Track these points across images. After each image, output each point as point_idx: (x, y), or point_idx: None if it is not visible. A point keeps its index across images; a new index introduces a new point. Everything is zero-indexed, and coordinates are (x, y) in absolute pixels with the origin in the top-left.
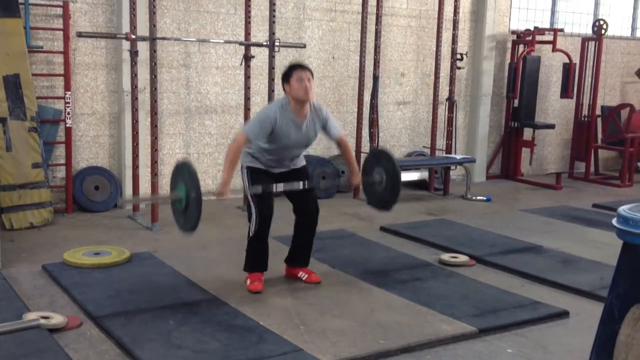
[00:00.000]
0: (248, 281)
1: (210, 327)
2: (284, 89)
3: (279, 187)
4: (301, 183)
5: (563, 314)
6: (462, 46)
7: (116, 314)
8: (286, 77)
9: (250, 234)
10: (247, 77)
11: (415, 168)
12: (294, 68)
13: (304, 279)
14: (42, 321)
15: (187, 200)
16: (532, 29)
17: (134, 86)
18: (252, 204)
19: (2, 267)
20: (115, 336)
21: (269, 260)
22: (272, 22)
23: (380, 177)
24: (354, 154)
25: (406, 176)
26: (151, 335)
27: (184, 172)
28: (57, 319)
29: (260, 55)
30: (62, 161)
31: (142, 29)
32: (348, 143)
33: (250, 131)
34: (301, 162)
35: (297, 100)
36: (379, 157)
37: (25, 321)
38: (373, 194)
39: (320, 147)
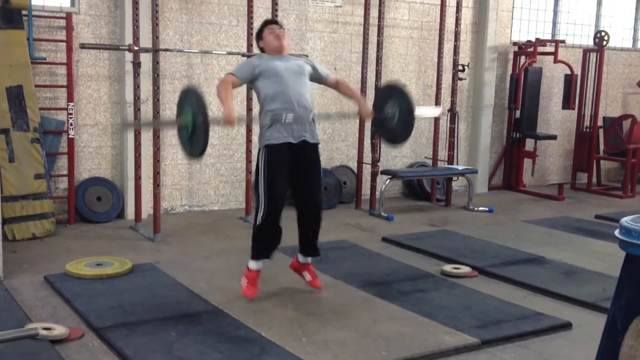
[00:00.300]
0: (244, 281)
1: (212, 338)
2: (259, 48)
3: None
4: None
5: (566, 326)
6: (464, 57)
7: (118, 325)
8: (259, 34)
9: (257, 223)
10: (249, 88)
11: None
12: (266, 24)
13: (306, 279)
14: (44, 332)
15: (193, 126)
16: (533, 40)
17: (137, 97)
18: (262, 190)
19: (4, 278)
20: (117, 347)
21: (270, 271)
22: None
23: (392, 113)
24: (354, 88)
25: (421, 112)
26: (153, 347)
27: (191, 98)
28: (59, 330)
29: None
30: (65, 172)
31: (145, 41)
32: (344, 80)
33: (235, 70)
34: (316, 132)
35: (274, 52)
36: (392, 91)
37: (24, 329)
38: (384, 129)
39: (322, 158)
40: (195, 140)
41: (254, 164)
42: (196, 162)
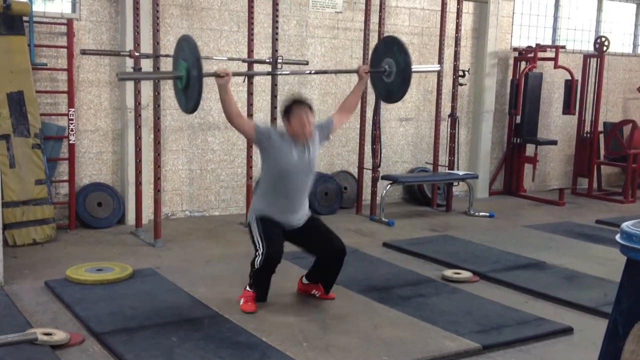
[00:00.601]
0: (242, 300)
1: (212, 343)
2: (283, 123)
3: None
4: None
5: (567, 331)
6: (464, 63)
7: (119, 331)
8: (286, 112)
9: (256, 266)
10: (250, 93)
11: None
12: (294, 103)
13: (317, 295)
14: (45, 337)
15: (187, 78)
16: (534, 45)
17: (137, 103)
18: (259, 240)
19: (5, 283)
20: (117, 353)
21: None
22: (274, 40)
23: (389, 69)
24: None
25: (419, 67)
26: (154, 352)
27: (185, 49)
28: (59, 336)
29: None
30: (65, 178)
31: (146, 47)
32: (339, 107)
33: (256, 121)
34: (306, 212)
35: (295, 137)
36: (391, 46)
37: (24, 334)
38: (381, 83)
39: (323, 164)
40: (189, 92)
41: (254, 169)
42: (190, 114)
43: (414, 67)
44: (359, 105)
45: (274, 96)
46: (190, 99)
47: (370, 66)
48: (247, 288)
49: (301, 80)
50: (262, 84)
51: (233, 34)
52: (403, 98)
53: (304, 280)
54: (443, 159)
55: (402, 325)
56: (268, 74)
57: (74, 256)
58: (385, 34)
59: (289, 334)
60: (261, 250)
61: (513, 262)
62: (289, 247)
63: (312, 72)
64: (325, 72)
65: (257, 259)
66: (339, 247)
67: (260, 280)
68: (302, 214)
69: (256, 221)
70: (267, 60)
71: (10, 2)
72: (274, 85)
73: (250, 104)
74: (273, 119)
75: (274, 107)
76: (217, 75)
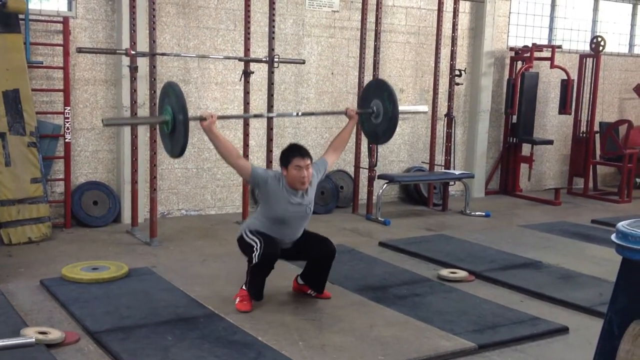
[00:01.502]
0: (237, 299)
1: (208, 342)
2: (281, 169)
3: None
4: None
5: (562, 330)
6: (461, 62)
7: (114, 330)
8: (285, 161)
9: (254, 261)
10: (247, 92)
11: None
12: (294, 154)
13: (313, 295)
14: (40, 336)
15: (174, 123)
16: (530, 45)
17: (134, 101)
18: (255, 240)
19: (0, 282)
20: (113, 352)
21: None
22: (271, 38)
23: (377, 110)
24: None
25: (406, 108)
26: (149, 351)
27: (171, 94)
28: (54, 335)
29: (260, 71)
30: (61, 176)
31: (142, 45)
32: (331, 145)
33: (254, 166)
34: (301, 232)
35: (292, 187)
36: (381, 91)
37: (20, 338)
38: (370, 125)
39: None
40: (175, 137)
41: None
42: (177, 158)
43: (401, 109)
44: (355, 105)
45: (270, 95)
46: (176, 144)
47: (360, 100)
48: (244, 287)
49: (297, 79)
50: (258, 82)
51: (229, 32)
52: (390, 139)
53: (299, 281)
54: (439, 158)
55: (398, 324)
56: (255, 116)
57: (70, 255)
58: (382, 33)
59: (284, 333)
60: (258, 245)
61: (509, 261)
62: None
63: (299, 114)
64: (312, 114)
65: (254, 253)
66: (330, 247)
67: (257, 277)
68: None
69: (249, 230)
70: (264, 59)
71: (6, 0)
72: (271, 84)
73: (247, 103)
74: (269, 119)
75: (270, 105)
76: (202, 118)
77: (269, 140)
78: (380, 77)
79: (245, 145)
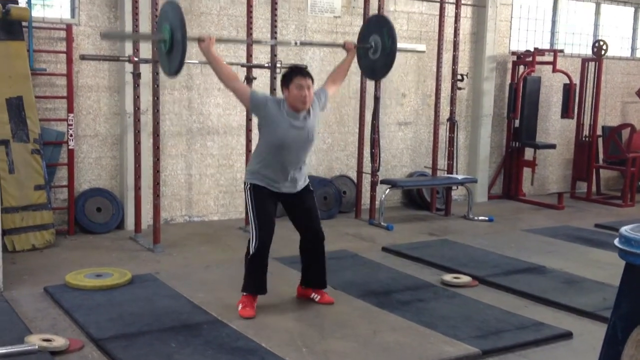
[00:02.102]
0: (240, 306)
1: (212, 349)
2: (282, 92)
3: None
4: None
5: (566, 335)
6: (463, 67)
7: (118, 337)
8: (286, 81)
9: (251, 252)
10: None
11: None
12: (295, 74)
13: (316, 300)
14: (44, 343)
15: (171, 41)
16: (532, 49)
17: (137, 108)
18: (253, 225)
19: (4, 289)
20: (117, 359)
21: (269, 281)
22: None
23: (375, 45)
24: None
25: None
26: (153, 358)
27: (169, 13)
28: (58, 342)
29: (262, 77)
30: (65, 183)
31: (145, 52)
32: (331, 74)
33: (252, 90)
34: (304, 178)
35: (293, 109)
36: (381, 27)
37: (23, 345)
38: (367, 61)
39: (322, 168)
40: (172, 55)
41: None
42: (172, 78)
43: (399, 46)
44: (357, 110)
45: (272, 89)
46: (173, 62)
47: (360, 36)
48: (243, 292)
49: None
50: (261, 88)
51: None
52: (387, 75)
53: (303, 285)
54: (442, 163)
55: (401, 330)
56: (253, 42)
57: (73, 262)
58: None
59: (288, 339)
60: (254, 233)
61: (512, 266)
62: (285, 251)
63: (298, 43)
64: (310, 44)
65: (251, 243)
66: (318, 233)
67: (256, 268)
68: (299, 185)
69: (250, 193)
70: (266, 65)
71: (9, 8)
72: (273, 90)
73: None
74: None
75: None
76: (200, 39)
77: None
78: (385, 88)
79: (248, 151)
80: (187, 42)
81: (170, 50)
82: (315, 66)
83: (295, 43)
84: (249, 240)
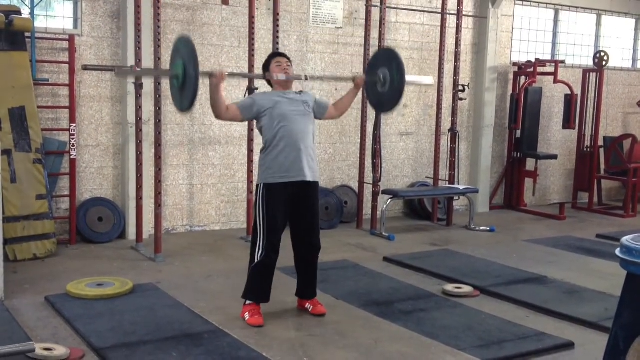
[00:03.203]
0: (247, 315)
1: (213, 359)
2: (265, 79)
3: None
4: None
5: (568, 346)
6: (464, 78)
7: (119, 346)
8: (266, 65)
9: (256, 260)
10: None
11: None
12: (273, 56)
13: (310, 310)
14: (45, 352)
15: (184, 77)
16: (533, 60)
17: (139, 118)
18: (260, 230)
19: (5, 298)
20: None
21: (271, 291)
22: None
23: (384, 78)
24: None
25: (412, 79)
26: None
27: (182, 49)
28: (59, 351)
29: (264, 88)
30: (66, 192)
31: (147, 62)
32: (336, 103)
33: (240, 103)
34: (315, 168)
35: (278, 84)
36: (391, 62)
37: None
38: (375, 94)
39: (324, 178)
40: (185, 91)
41: (255, 184)
42: (186, 114)
43: (408, 79)
44: (359, 120)
45: None
46: (185, 97)
47: (367, 67)
48: (244, 299)
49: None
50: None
51: (234, 49)
52: (394, 109)
53: (296, 295)
54: (443, 173)
55: (403, 340)
56: (263, 77)
57: (75, 271)
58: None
59: (289, 349)
60: (261, 240)
61: (514, 276)
62: (286, 261)
63: (308, 77)
64: (321, 78)
65: (257, 251)
66: (315, 244)
67: (260, 276)
68: (311, 168)
69: (262, 196)
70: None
71: (12, 18)
72: None
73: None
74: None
75: None
76: (211, 75)
77: None
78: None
79: (250, 161)
80: (199, 78)
81: (183, 86)
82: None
83: (306, 77)
84: (255, 247)
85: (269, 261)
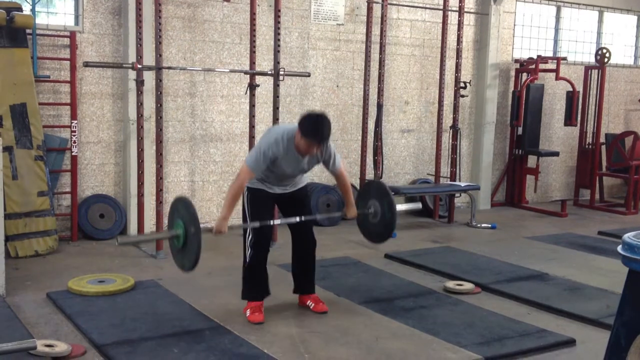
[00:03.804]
0: (248, 312)
1: (214, 355)
2: (298, 128)
3: (276, 221)
4: (298, 218)
5: (570, 343)
6: (466, 74)
7: (120, 343)
8: (304, 130)
9: (247, 261)
10: (252, 105)
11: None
12: (314, 136)
13: (311, 307)
14: (46, 349)
15: (185, 237)
16: (535, 57)
17: (140, 115)
18: (248, 229)
19: (7, 295)
20: None
21: (272, 288)
22: (276, 51)
23: (375, 211)
24: (350, 186)
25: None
26: None
27: (180, 208)
28: (61, 347)
29: (265, 84)
30: (68, 189)
31: (148, 59)
32: (346, 176)
33: (252, 166)
34: (302, 183)
35: (298, 149)
36: (382, 199)
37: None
38: (366, 225)
39: (325, 175)
40: (186, 252)
41: None
42: (188, 273)
43: (399, 208)
44: (360, 117)
45: (275, 108)
46: (188, 257)
47: (359, 194)
48: (246, 300)
49: (303, 92)
50: (264, 95)
51: (235, 46)
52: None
53: (295, 291)
54: (445, 170)
55: (404, 336)
56: (261, 225)
57: (76, 268)
58: (387, 46)
59: (290, 345)
60: (249, 239)
61: (515, 273)
62: (287, 258)
63: (302, 219)
64: (314, 218)
65: (246, 252)
66: (309, 237)
67: (253, 277)
68: (295, 185)
69: (247, 197)
70: (269, 72)
71: (13, 15)
72: (276, 97)
73: (252, 116)
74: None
75: (275, 118)
76: (212, 231)
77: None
78: (388, 95)
79: None
80: (201, 236)
81: (184, 246)
82: (318, 74)
83: (301, 219)
84: (245, 247)
85: (258, 259)
